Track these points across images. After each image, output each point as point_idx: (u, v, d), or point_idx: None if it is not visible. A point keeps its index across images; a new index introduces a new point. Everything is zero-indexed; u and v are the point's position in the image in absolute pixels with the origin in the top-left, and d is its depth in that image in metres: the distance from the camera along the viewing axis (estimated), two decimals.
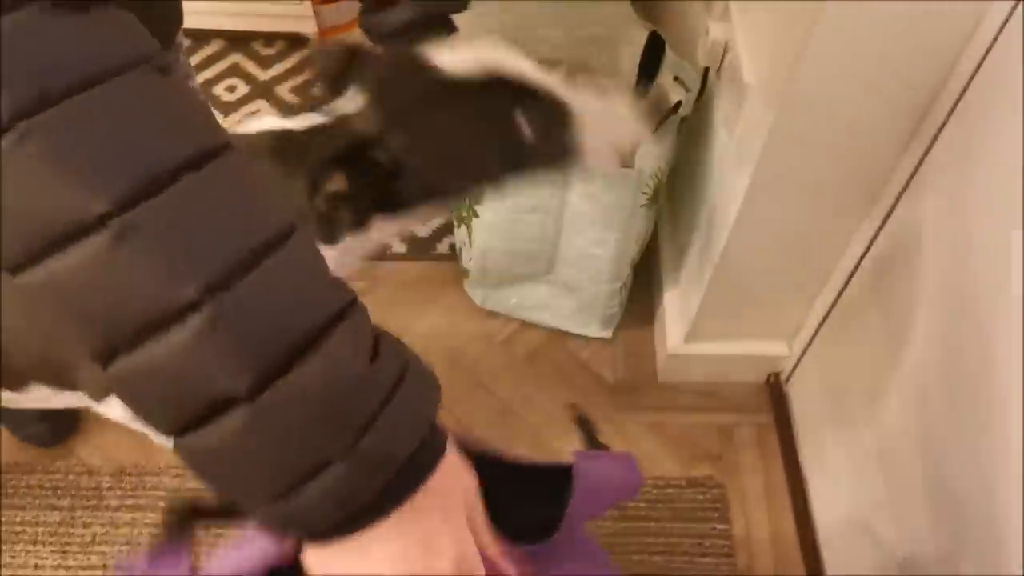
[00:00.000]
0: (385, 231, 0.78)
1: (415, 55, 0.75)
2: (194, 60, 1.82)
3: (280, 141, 0.73)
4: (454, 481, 0.49)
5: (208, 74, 1.81)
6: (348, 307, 0.44)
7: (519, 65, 0.74)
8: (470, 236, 1.42)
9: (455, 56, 0.74)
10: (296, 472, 0.42)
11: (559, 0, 1.45)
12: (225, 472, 0.43)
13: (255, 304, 0.40)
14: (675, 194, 1.46)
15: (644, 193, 1.24)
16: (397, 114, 0.73)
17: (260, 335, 0.40)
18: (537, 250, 1.38)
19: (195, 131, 0.41)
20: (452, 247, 1.58)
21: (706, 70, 1.23)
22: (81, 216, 0.37)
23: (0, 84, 0.35)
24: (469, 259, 1.47)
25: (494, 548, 0.52)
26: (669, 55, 1.30)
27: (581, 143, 0.77)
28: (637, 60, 1.37)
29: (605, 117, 0.77)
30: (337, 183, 0.69)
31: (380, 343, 0.45)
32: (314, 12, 1.57)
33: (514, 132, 0.75)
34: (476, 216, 1.37)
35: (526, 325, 1.51)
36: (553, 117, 0.74)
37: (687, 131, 1.31)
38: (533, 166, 0.79)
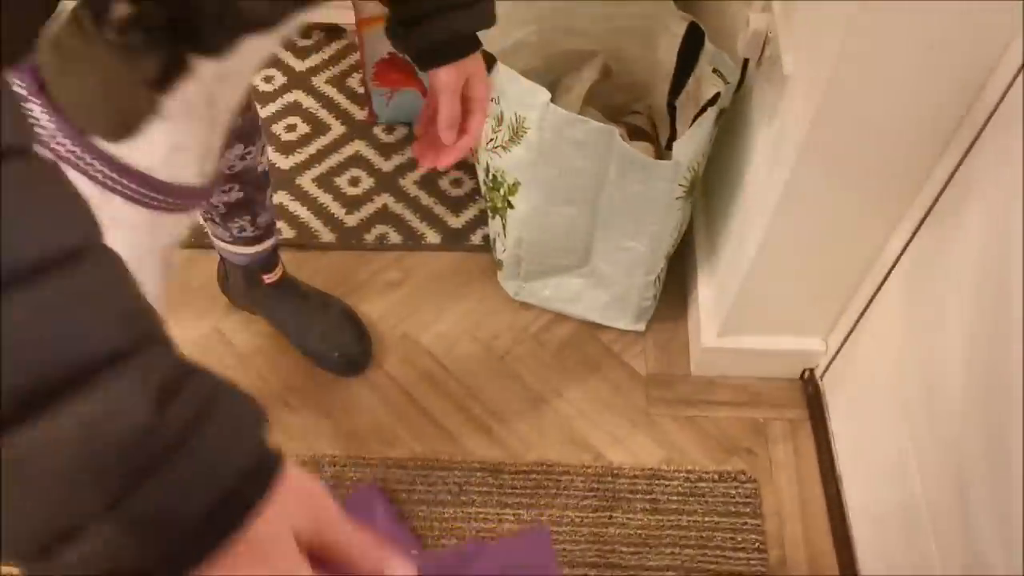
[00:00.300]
0: (223, 75, 0.68)
1: None
2: None
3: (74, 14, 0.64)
4: (280, 521, 0.41)
5: None
6: (137, 345, 0.38)
7: None
8: (504, 228, 1.42)
9: None
10: (49, 531, 0.36)
11: None
12: None
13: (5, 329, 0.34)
14: (711, 186, 1.45)
15: (681, 186, 1.23)
16: None
17: (6, 367, 0.34)
18: (571, 242, 1.38)
19: None
20: (486, 238, 1.59)
21: (745, 62, 1.22)
22: None
23: None
24: (503, 251, 1.47)
25: (359, 540, 0.45)
26: (708, 46, 1.29)
27: None
28: (675, 51, 1.36)
29: None
30: (120, 8, 0.60)
31: (184, 385, 0.39)
32: (352, 3, 1.57)
33: None
34: (511, 208, 1.37)
35: (559, 317, 1.51)
36: None
37: (725, 123, 1.30)
38: None
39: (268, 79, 1.80)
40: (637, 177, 1.23)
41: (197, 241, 1.46)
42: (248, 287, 1.45)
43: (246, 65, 0.71)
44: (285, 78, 1.81)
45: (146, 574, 0.37)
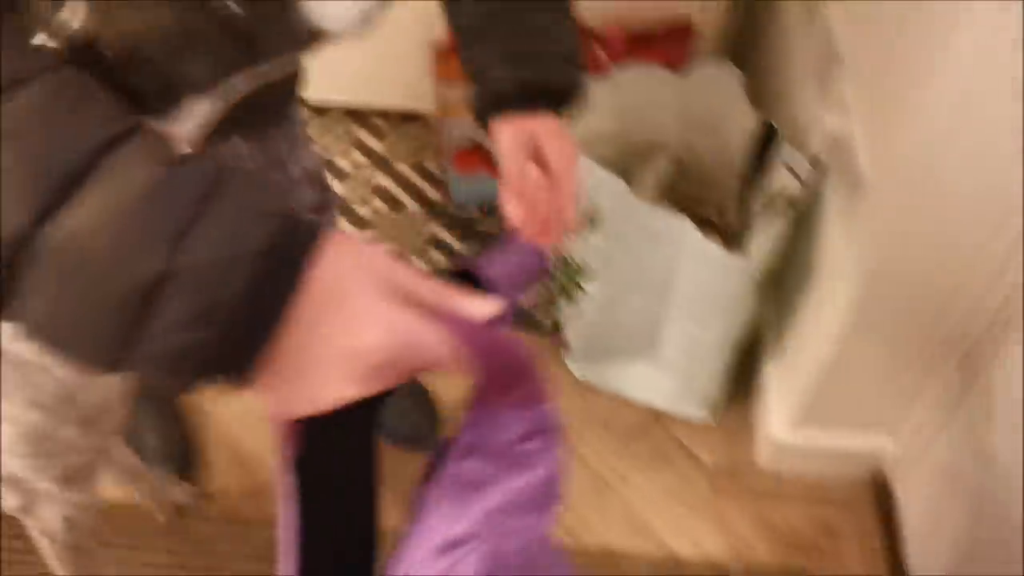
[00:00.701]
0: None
1: None
2: (313, 130, 1.92)
3: None
4: (346, 264, 0.42)
5: (327, 144, 1.91)
6: (128, 131, 0.40)
7: None
8: (574, 311, 1.45)
9: None
10: (123, 310, 0.38)
11: (671, 84, 1.49)
12: (57, 332, 0.39)
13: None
14: (783, 280, 1.47)
15: (752, 278, 1.25)
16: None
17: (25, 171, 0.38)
18: (641, 329, 1.40)
19: None
20: (555, 320, 1.61)
21: (819, 160, 1.24)
22: None
23: None
24: (572, 333, 1.49)
25: (438, 291, 0.45)
26: (781, 144, 1.33)
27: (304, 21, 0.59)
28: (747, 147, 1.40)
29: None
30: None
31: (182, 154, 0.41)
32: (435, 91, 1.64)
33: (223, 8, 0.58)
34: (582, 292, 1.40)
35: (625, 402, 1.52)
36: None
37: (797, 219, 1.32)
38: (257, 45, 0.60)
39: (349, 159, 1.88)
40: (710, 268, 1.25)
41: None
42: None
43: (189, 129, 0.68)
44: (366, 159, 1.88)
45: (242, 319, 0.39)
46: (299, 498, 0.48)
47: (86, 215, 0.37)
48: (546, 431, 0.54)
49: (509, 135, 0.76)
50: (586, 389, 1.54)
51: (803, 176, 1.27)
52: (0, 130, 0.38)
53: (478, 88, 0.77)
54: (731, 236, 1.49)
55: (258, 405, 1.47)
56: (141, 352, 0.39)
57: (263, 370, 0.41)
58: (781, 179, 1.32)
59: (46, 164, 0.38)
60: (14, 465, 0.84)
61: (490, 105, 0.77)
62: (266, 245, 0.39)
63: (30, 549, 1.30)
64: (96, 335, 0.39)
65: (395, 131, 1.92)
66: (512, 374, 0.50)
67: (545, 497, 0.53)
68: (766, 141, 1.36)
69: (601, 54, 1.59)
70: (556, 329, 1.59)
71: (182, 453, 1.44)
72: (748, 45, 1.71)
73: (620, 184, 1.26)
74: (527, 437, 0.53)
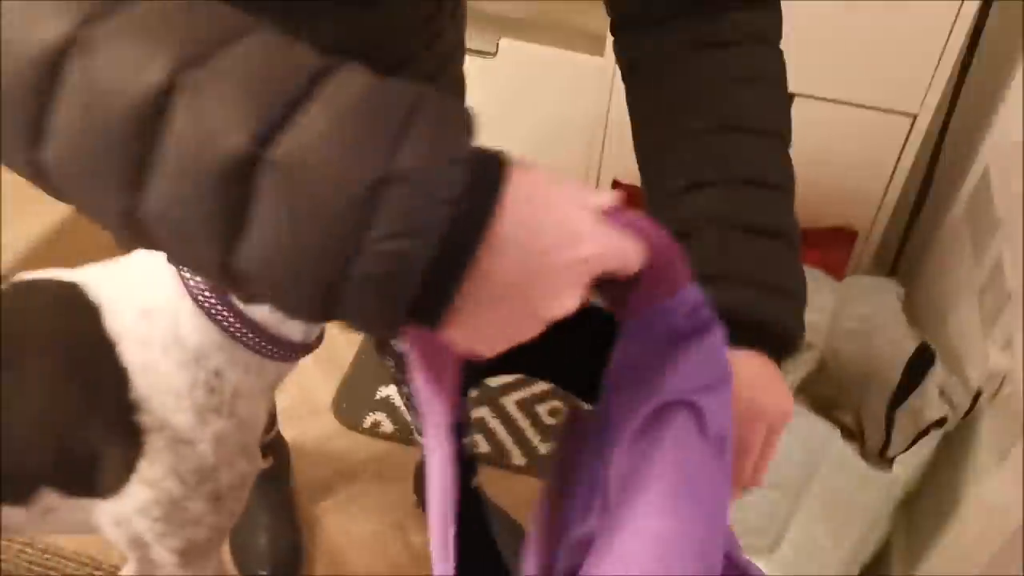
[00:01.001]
0: None
1: None
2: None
3: None
4: (539, 177, 0.42)
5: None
6: (339, 63, 0.41)
7: None
8: None
9: None
10: (344, 220, 0.38)
11: (827, 288, 1.50)
12: (298, 266, 0.39)
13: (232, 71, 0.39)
14: (920, 505, 1.41)
15: (894, 498, 1.22)
16: None
17: (246, 88, 0.39)
18: (766, 526, 1.36)
19: None
20: None
21: (978, 393, 1.22)
22: None
23: None
24: None
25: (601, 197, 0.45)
26: (938, 367, 1.31)
27: None
28: (902, 364, 1.38)
29: None
30: None
31: (387, 77, 0.41)
32: None
33: None
34: None
35: None
36: None
37: (946, 445, 1.29)
38: None
39: None
40: (850, 480, 1.22)
41: (402, 435, 1.55)
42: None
43: None
44: None
45: (462, 211, 0.38)
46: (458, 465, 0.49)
47: (302, 133, 0.38)
48: (701, 306, 0.53)
49: None
50: None
51: (957, 404, 1.24)
52: (225, 66, 0.40)
53: None
54: (868, 449, 1.46)
55: (371, 526, 1.49)
56: (355, 273, 0.38)
57: (471, 291, 0.40)
58: (933, 402, 1.29)
59: (266, 89, 0.39)
60: (142, 526, 0.88)
61: None
62: (470, 154, 0.40)
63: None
64: (315, 258, 0.39)
65: None
66: (670, 260, 0.50)
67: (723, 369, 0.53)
68: (921, 360, 1.34)
69: None
70: None
71: (288, 559, 1.46)
72: (912, 260, 1.72)
73: None
74: (690, 314, 0.52)
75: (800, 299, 0.68)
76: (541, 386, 1.78)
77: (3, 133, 0.42)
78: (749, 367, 0.64)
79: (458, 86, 1.03)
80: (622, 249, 0.45)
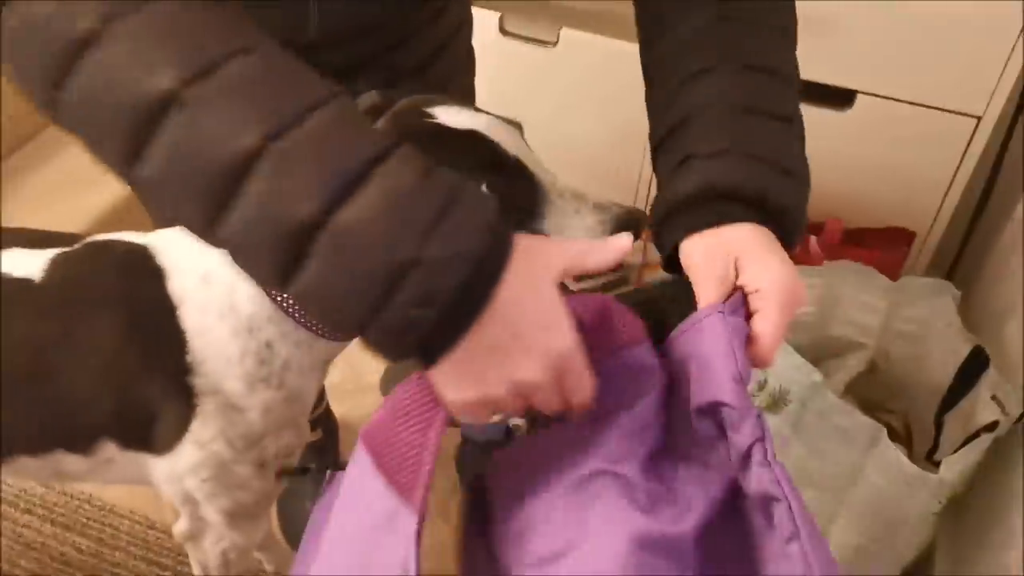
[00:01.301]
0: None
1: (421, 104, 0.73)
2: None
3: (437, 135, 0.71)
4: (535, 262, 0.53)
5: None
6: (394, 145, 0.51)
7: (518, 148, 0.71)
8: None
9: (456, 115, 0.71)
10: (379, 285, 0.48)
11: (881, 288, 1.48)
12: (334, 305, 0.50)
13: (308, 141, 0.49)
14: (966, 510, 1.39)
15: (939, 502, 1.20)
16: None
17: (320, 163, 0.49)
18: None
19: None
20: None
21: None
22: None
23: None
24: None
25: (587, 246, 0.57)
26: (991, 372, 1.29)
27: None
28: (954, 368, 1.36)
29: (570, 222, 0.71)
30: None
31: (433, 166, 0.51)
32: (644, 246, 1.71)
33: None
34: None
35: None
36: (520, 206, 0.70)
37: (996, 450, 1.27)
38: None
39: None
40: (895, 483, 1.21)
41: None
42: (483, 463, 1.53)
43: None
44: None
45: (454, 303, 0.49)
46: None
47: (359, 210, 0.49)
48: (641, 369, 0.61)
49: (703, 250, 0.66)
50: None
51: (1009, 410, 1.22)
52: (298, 137, 0.49)
53: (677, 185, 0.67)
54: (915, 452, 1.44)
55: None
56: (381, 321, 0.50)
57: (458, 356, 0.52)
58: (984, 406, 1.27)
59: (335, 167, 0.49)
60: (192, 485, 0.91)
61: (689, 206, 0.66)
62: (486, 246, 0.50)
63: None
64: (354, 304, 0.50)
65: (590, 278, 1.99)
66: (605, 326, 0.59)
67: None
68: (974, 364, 1.32)
69: (815, 244, 1.61)
70: None
71: None
72: (970, 263, 1.69)
73: (815, 374, 1.25)
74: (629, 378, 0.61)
75: (804, 183, 0.67)
76: None
77: (104, 150, 0.52)
78: (750, 240, 0.64)
79: (465, 60, 1.05)
80: (574, 348, 0.54)
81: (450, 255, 0.49)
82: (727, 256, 0.64)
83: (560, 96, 1.84)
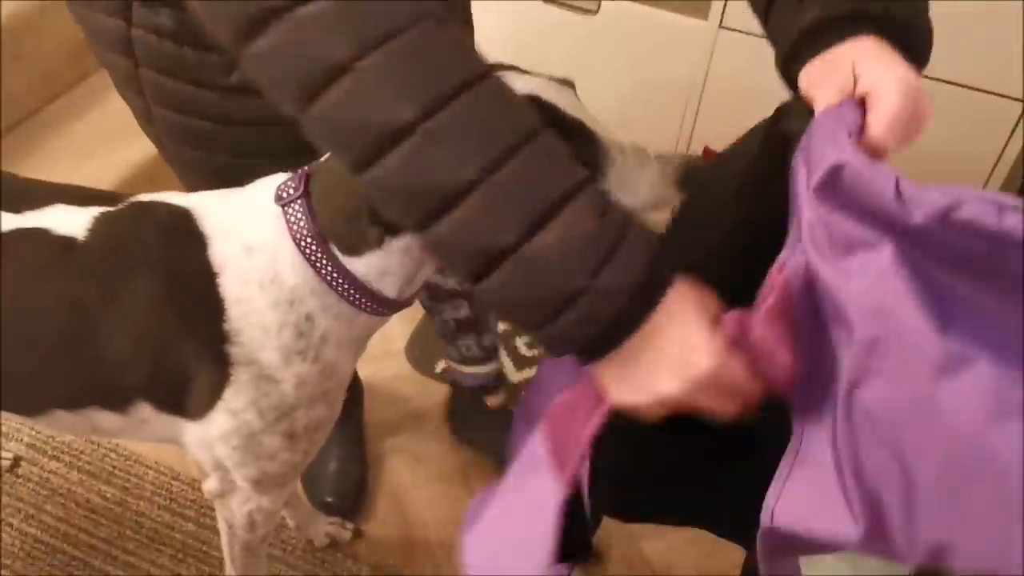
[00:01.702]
0: None
1: None
2: None
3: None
4: (687, 298, 0.61)
5: None
6: (582, 183, 0.58)
7: (576, 108, 0.73)
8: None
9: (511, 80, 0.69)
10: (553, 305, 0.58)
11: None
12: (510, 309, 0.60)
13: (522, 174, 0.57)
14: None
15: None
16: None
17: (521, 200, 0.57)
18: None
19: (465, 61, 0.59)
20: None
21: None
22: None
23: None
24: None
25: (756, 325, 0.62)
26: None
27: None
28: None
29: (634, 178, 0.75)
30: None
31: (608, 207, 0.59)
32: None
33: None
34: None
35: None
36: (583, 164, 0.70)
37: None
38: None
39: None
40: None
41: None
42: (473, 413, 1.56)
43: None
44: None
45: (613, 326, 0.58)
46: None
47: (545, 242, 0.57)
48: None
49: (821, 65, 0.65)
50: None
51: None
52: (507, 173, 0.57)
53: (798, 22, 0.66)
54: None
55: (434, 468, 1.51)
56: (546, 331, 0.59)
57: (612, 361, 0.61)
58: None
59: (533, 201, 0.57)
60: (222, 452, 0.92)
61: (811, 34, 0.65)
62: (646, 280, 0.59)
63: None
64: (524, 316, 0.60)
65: None
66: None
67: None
68: None
69: None
70: None
71: (352, 491, 1.50)
72: None
73: None
74: None
75: (925, 5, 0.67)
76: None
77: (340, 153, 0.60)
78: (870, 47, 0.63)
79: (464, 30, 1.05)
80: (730, 376, 0.61)
81: (614, 288, 0.57)
82: (846, 64, 0.63)
83: (600, 63, 1.82)
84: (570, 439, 0.67)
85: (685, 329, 0.60)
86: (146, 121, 1.03)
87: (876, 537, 0.57)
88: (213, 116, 0.97)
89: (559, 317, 0.58)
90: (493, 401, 1.54)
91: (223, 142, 0.99)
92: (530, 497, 0.69)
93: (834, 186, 0.57)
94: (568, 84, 0.76)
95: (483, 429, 1.57)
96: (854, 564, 1.38)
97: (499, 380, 1.55)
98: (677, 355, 0.60)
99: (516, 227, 0.57)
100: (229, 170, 0.85)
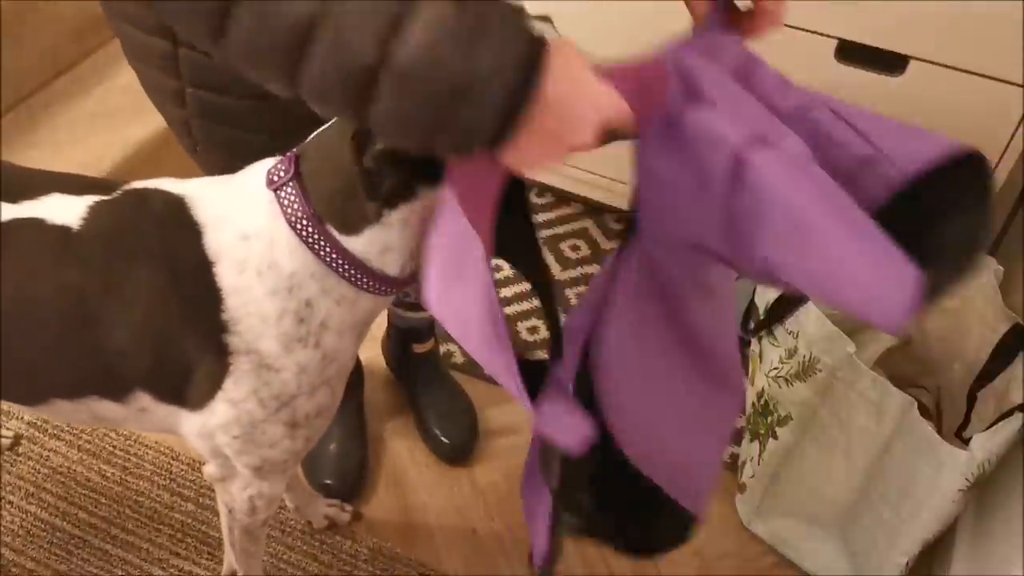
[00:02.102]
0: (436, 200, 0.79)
1: None
2: (551, 215, 2.01)
3: None
4: (568, 54, 0.63)
5: (559, 230, 1.99)
6: None
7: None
8: (760, 455, 1.41)
9: None
10: (446, 107, 0.59)
11: None
12: (411, 131, 0.62)
13: None
14: (992, 487, 1.37)
15: (967, 479, 1.18)
16: None
17: (369, 13, 0.57)
18: (831, 496, 1.34)
19: None
20: (734, 456, 1.58)
21: None
22: None
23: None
24: (750, 475, 1.45)
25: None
26: None
27: None
28: (989, 345, 1.33)
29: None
30: (380, 144, 0.73)
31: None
32: None
33: None
34: (774, 438, 1.37)
35: (786, 563, 1.46)
36: None
37: None
38: None
39: (575, 248, 1.95)
40: (924, 457, 1.19)
41: (473, 367, 1.57)
42: (400, 352, 1.59)
43: None
44: (590, 251, 1.94)
45: (519, 81, 0.60)
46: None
47: (411, 47, 0.58)
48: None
49: None
50: (749, 537, 1.49)
51: None
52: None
53: None
54: (944, 428, 1.42)
55: (431, 452, 1.49)
56: (454, 135, 0.61)
57: (522, 133, 0.62)
58: (1019, 386, 1.25)
59: (378, 11, 0.58)
60: (222, 441, 0.92)
61: None
62: (524, 48, 0.60)
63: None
64: (432, 128, 0.61)
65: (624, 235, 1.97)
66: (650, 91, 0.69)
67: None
68: (1013, 342, 1.30)
69: None
70: (733, 465, 1.56)
71: (352, 472, 1.50)
72: (1014, 241, 1.65)
73: (849, 345, 1.23)
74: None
75: None
76: (523, 306, 1.81)
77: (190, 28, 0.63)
78: None
79: None
80: (619, 111, 0.66)
81: (497, 66, 0.59)
82: None
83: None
84: (479, 198, 0.69)
85: (583, 87, 0.63)
86: (176, 104, 1.02)
87: None
88: (253, 94, 0.96)
89: (459, 115, 0.59)
90: (419, 348, 1.58)
91: (262, 121, 0.99)
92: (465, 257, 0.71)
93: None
94: (546, 20, 0.76)
95: (406, 369, 1.62)
96: (854, 564, 1.39)
97: (430, 331, 1.58)
98: (583, 115, 0.63)
99: (371, 40, 0.58)
100: (266, 151, 0.86)
